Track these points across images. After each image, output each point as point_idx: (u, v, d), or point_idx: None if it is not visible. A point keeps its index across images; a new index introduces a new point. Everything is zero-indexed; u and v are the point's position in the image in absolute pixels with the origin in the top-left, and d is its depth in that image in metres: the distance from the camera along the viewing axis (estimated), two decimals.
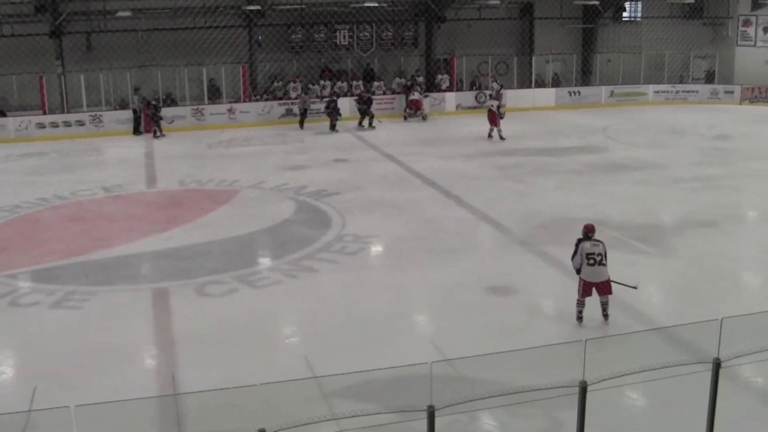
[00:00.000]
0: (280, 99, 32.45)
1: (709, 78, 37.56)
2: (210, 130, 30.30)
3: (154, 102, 30.18)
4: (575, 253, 12.10)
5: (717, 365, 7.61)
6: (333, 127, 29.84)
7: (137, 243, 16.58)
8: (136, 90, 30.16)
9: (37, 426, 8.88)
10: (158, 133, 29.34)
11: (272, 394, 7.20)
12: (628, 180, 21.41)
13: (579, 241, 12.14)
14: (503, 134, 27.19)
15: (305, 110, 30.94)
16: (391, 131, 29.75)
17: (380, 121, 30.74)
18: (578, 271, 12.08)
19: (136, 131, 29.82)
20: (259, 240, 16.94)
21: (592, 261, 11.93)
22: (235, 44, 32.06)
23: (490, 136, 27.54)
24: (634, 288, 12.27)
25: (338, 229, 17.26)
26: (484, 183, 21.28)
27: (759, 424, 9.38)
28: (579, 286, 12.09)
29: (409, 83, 33.10)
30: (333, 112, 29.95)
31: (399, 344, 11.40)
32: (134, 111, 29.99)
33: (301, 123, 30.82)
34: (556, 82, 37.63)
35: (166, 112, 30.37)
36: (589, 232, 12.19)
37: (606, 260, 12.03)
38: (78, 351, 11.46)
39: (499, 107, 27.84)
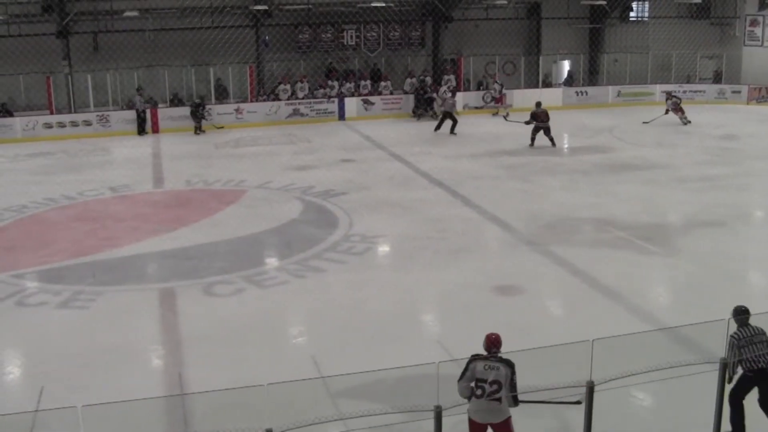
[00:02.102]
0: (287, 99, 32.42)
1: (717, 78, 37.49)
2: (217, 130, 30.33)
3: (197, 100, 30.53)
4: (463, 374, 7.95)
5: (724, 365, 7.61)
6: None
7: (144, 243, 16.62)
8: (139, 90, 30.16)
9: (44, 426, 8.91)
10: (199, 131, 29.95)
11: (279, 394, 7.21)
12: (635, 180, 21.38)
13: (472, 358, 8.08)
14: (689, 118, 29.95)
15: (450, 114, 29.20)
16: (398, 131, 29.76)
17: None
18: (468, 399, 7.97)
19: (141, 131, 29.91)
20: (266, 240, 16.96)
21: (480, 391, 7.82)
22: (242, 44, 32.12)
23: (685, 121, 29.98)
24: (579, 403, 8.23)
25: (345, 228, 17.28)
26: (491, 183, 21.27)
27: (765, 425, 9.36)
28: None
29: (424, 86, 33.24)
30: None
31: (406, 344, 11.40)
32: (137, 111, 30.00)
33: (439, 126, 29.33)
34: (569, 81, 37.57)
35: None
36: (492, 345, 8.11)
37: (508, 392, 7.89)
38: (85, 351, 11.48)
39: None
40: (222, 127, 30.38)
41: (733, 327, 8.48)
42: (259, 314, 12.82)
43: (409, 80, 34.07)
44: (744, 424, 8.61)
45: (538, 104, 26.56)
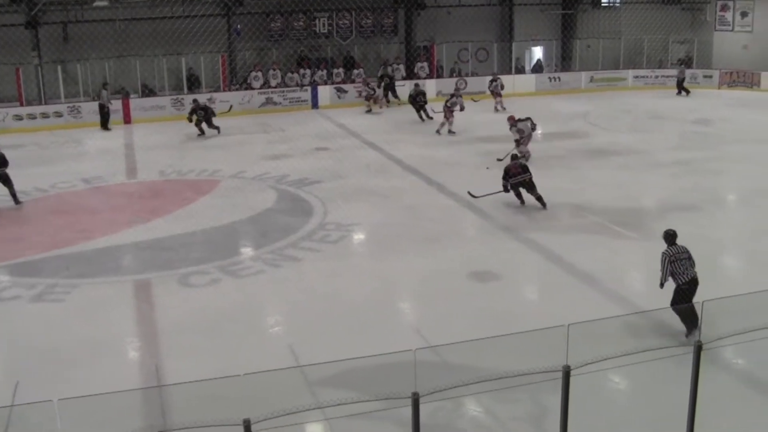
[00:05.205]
0: (260, 88, 32.28)
1: (686, 63, 37.69)
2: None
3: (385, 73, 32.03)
4: None
5: (698, 348, 7.66)
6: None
7: (119, 234, 16.51)
8: (105, 85, 29.65)
9: (20, 421, 8.84)
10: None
11: (257, 383, 7.19)
12: (610, 165, 21.48)
13: None
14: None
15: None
16: (372, 119, 29.72)
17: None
18: None
19: (104, 126, 28.93)
20: (242, 229, 16.91)
21: None
22: (214, 33, 31.93)
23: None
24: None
25: (320, 217, 17.24)
26: (466, 170, 21.27)
27: (740, 405, 9.46)
28: None
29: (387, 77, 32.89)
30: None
31: (383, 332, 11.41)
32: (102, 106, 29.00)
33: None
34: (539, 68, 37.64)
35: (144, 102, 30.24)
36: None
37: None
38: (60, 344, 11.41)
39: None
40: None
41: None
42: (235, 304, 12.79)
43: (382, 68, 34.04)
44: (696, 322, 9.84)
45: (514, 157, 18.81)
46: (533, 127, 22.07)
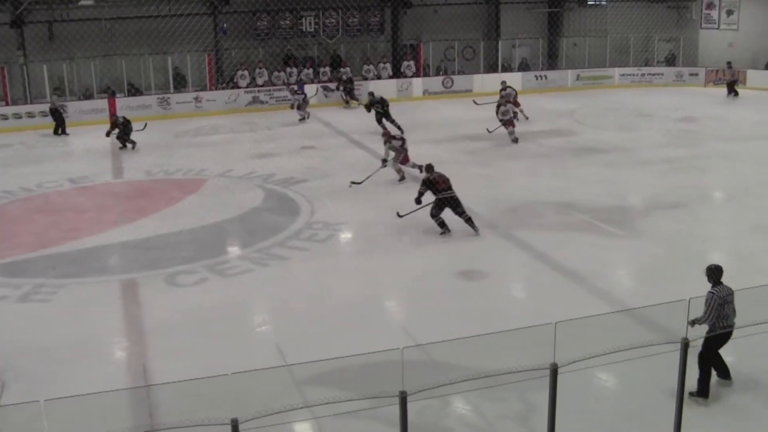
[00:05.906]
0: (246, 87, 32.25)
1: (670, 61, 37.84)
2: (176, 119, 30.07)
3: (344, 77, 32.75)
4: None
5: (685, 345, 7.69)
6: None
7: (106, 234, 16.45)
8: (55, 90, 29.31)
9: (6, 421, 8.81)
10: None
11: (244, 383, 7.18)
12: (597, 163, 21.53)
13: None
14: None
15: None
16: (358, 117, 29.66)
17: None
18: None
19: (57, 132, 27.89)
20: (229, 229, 16.87)
21: None
22: (200, 32, 31.85)
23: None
24: None
25: (307, 216, 17.23)
26: (453, 168, 21.08)
27: (727, 401, 9.49)
28: None
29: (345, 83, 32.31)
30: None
31: (371, 330, 11.41)
32: (52, 111, 28.08)
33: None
34: (524, 67, 37.69)
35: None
36: None
37: None
38: (47, 344, 11.36)
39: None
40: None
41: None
42: (222, 303, 12.76)
43: (366, 67, 34.05)
44: (709, 387, 9.21)
45: (429, 168, 16.43)
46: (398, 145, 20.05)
